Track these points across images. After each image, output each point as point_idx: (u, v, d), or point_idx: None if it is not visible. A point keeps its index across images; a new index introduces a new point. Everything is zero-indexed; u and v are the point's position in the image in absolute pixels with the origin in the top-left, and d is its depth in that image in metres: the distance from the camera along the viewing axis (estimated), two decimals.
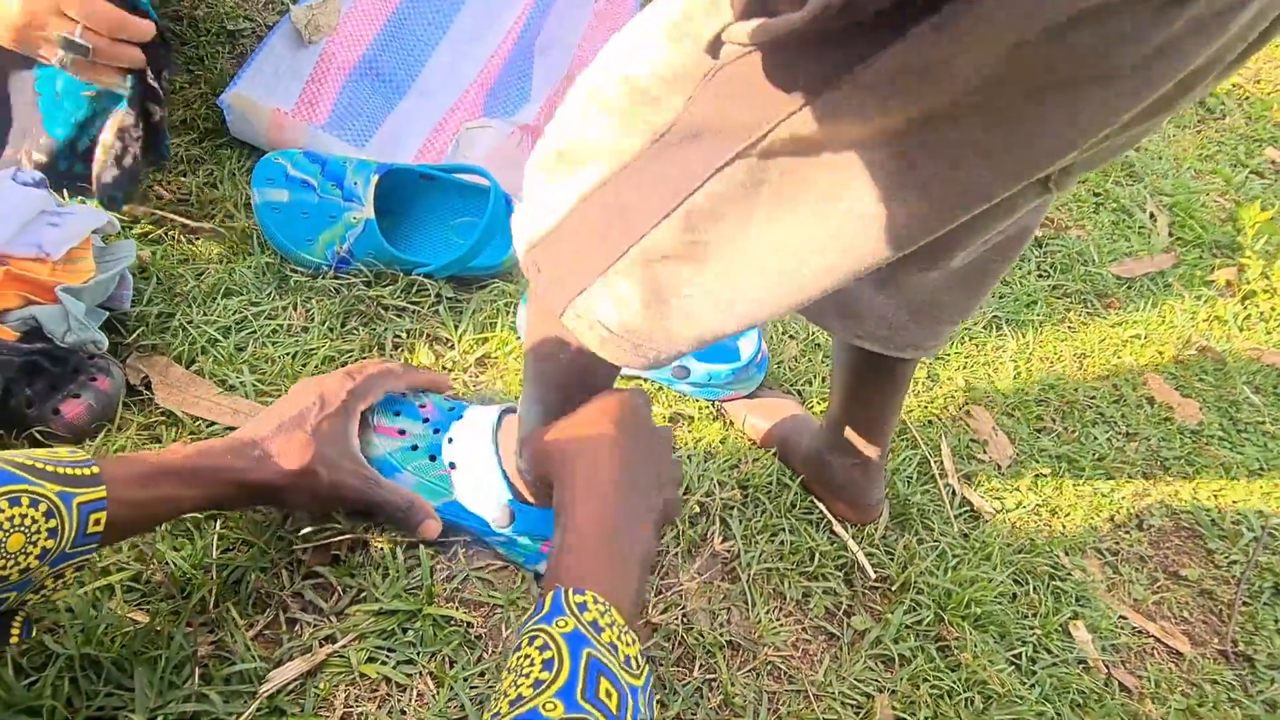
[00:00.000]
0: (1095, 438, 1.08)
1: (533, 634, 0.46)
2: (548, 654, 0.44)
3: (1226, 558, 0.99)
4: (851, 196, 0.44)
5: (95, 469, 0.54)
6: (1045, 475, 1.01)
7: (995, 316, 1.21)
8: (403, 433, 0.75)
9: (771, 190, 0.45)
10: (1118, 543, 0.97)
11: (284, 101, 1.00)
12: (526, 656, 0.45)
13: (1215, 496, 1.06)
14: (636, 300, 0.51)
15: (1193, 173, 1.73)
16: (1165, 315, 1.32)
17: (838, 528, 0.87)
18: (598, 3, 1.34)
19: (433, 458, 0.74)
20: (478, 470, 0.72)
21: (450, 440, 0.74)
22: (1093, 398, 1.14)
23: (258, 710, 0.62)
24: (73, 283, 0.73)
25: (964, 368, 1.11)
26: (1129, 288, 1.35)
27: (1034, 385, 1.13)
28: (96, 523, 0.53)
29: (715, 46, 0.42)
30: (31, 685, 0.59)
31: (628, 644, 0.47)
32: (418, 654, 0.68)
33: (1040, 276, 1.32)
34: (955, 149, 0.41)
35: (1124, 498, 1.02)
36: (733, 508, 0.86)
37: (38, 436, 0.72)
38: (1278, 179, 1.87)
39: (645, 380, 0.94)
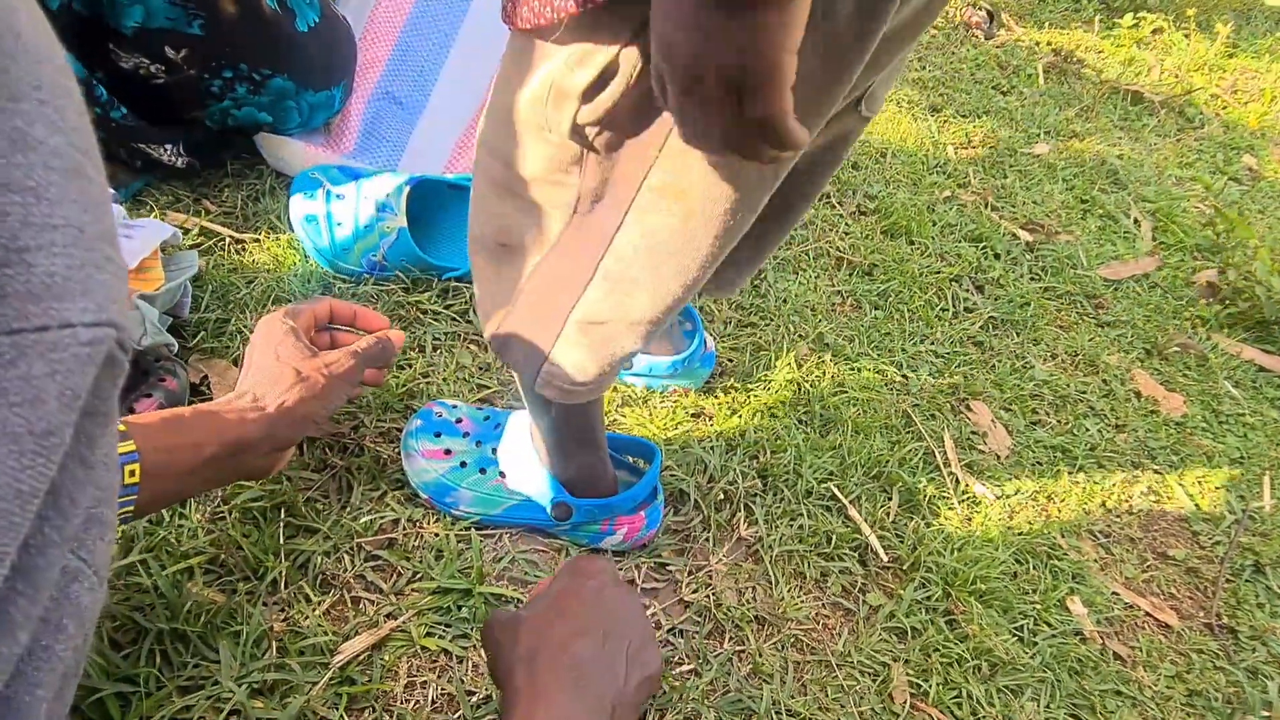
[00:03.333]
0: (1087, 429, 1.15)
1: None
2: None
3: (1210, 539, 1.06)
4: (735, 180, 0.50)
5: (122, 426, 0.57)
6: (1041, 464, 1.08)
7: (992, 317, 1.28)
8: (448, 452, 0.81)
9: (669, 211, 0.52)
10: (1109, 526, 1.04)
11: (310, 137, 1.06)
12: None
13: (1199, 483, 1.13)
14: (588, 360, 0.60)
15: (1174, 180, 1.81)
16: (1151, 315, 1.39)
17: (852, 512, 0.93)
18: None
19: (483, 470, 0.80)
20: (527, 476, 0.79)
21: (494, 451, 0.80)
22: (1084, 392, 1.21)
23: (331, 679, 0.68)
24: (147, 290, 0.79)
25: (964, 364, 1.18)
26: (1116, 289, 1.43)
27: (1029, 381, 1.20)
28: (132, 474, 0.56)
29: (577, 133, 0.49)
30: (126, 657, 0.65)
31: None
32: (472, 629, 0.74)
33: (1033, 279, 1.39)
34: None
35: (1115, 484, 1.09)
36: (755, 496, 0.92)
37: None
38: (1255, 185, 1.95)
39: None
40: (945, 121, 1.73)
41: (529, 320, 0.60)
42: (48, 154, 0.23)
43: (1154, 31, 2.47)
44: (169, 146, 0.99)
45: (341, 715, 0.66)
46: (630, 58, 0.45)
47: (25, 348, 0.21)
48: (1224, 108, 2.26)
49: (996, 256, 1.40)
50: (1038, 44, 2.20)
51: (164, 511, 0.74)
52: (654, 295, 0.56)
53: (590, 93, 0.47)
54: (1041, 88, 1.99)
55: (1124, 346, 1.32)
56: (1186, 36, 2.44)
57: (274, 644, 0.69)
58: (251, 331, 0.91)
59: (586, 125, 0.48)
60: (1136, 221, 1.62)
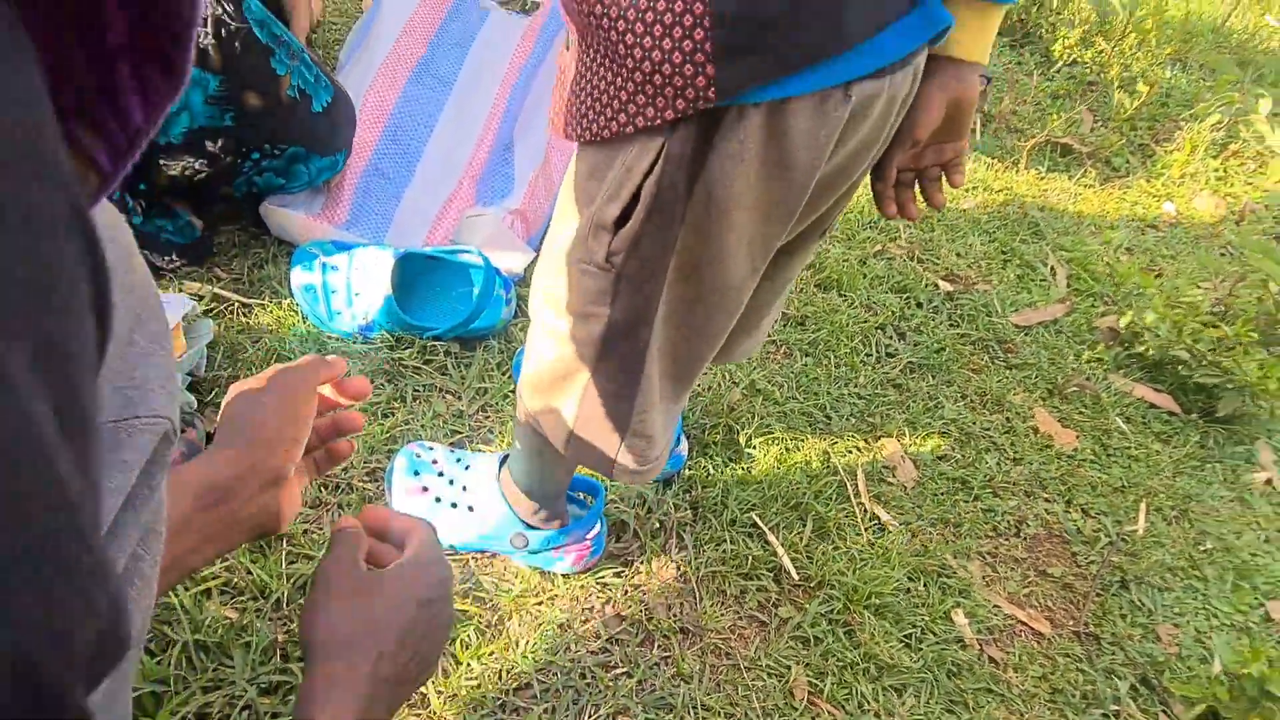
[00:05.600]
0: (986, 462, 1.32)
1: None
2: None
3: (1087, 559, 1.23)
4: (735, 265, 0.67)
5: None
6: (942, 494, 1.25)
7: (911, 362, 1.45)
8: (425, 489, 0.97)
9: (693, 300, 0.68)
10: (997, 547, 1.20)
11: (310, 209, 1.23)
12: None
13: (1082, 510, 1.30)
14: (661, 437, 0.76)
15: (1092, 229, 1.99)
16: (1055, 358, 1.56)
17: (771, 538, 1.09)
18: None
19: (454, 505, 0.96)
20: (490, 511, 0.94)
21: (465, 489, 0.96)
22: (987, 429, 1.38)
23: None
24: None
25: (882, 405, 1.35)
26: (1026, 334, 1.60)
27: (939, 419, 1.36)
28: None
29: (610, 259, 0.64)
30: (159, 663, 0.80)
31: None
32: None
33: (951, 326, 1.56)
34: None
35: (1006, 511, 1.25)
36: (686, 525, 1.08)
37: None
38: (1172, 231, 2.14)
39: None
40: None
41: (594, 431, 0.74)
42: (154, 337, 0.43)
43: (1089, 84, 2.67)
44: (165, 256, 1.15)
45: None
46: (650, 187, 0.59)
47: (137, 429, 0.41)
48: (1150, 155, 2.45)
49: (919, 305, 1.57)
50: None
51: None
52: (688, 370, 0.74)
53: (619, 222, 0.62)
54: (976, 142, 2.17)
55: (1029, 387, 1.49)
56: (1120, 89, 2.64)
57: (279, 652, 0.84)
58: None
59: (616, 254, 0.64)
60: (1053, 270, 1.79)
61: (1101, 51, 2.78)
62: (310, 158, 1.17)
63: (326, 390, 0.62)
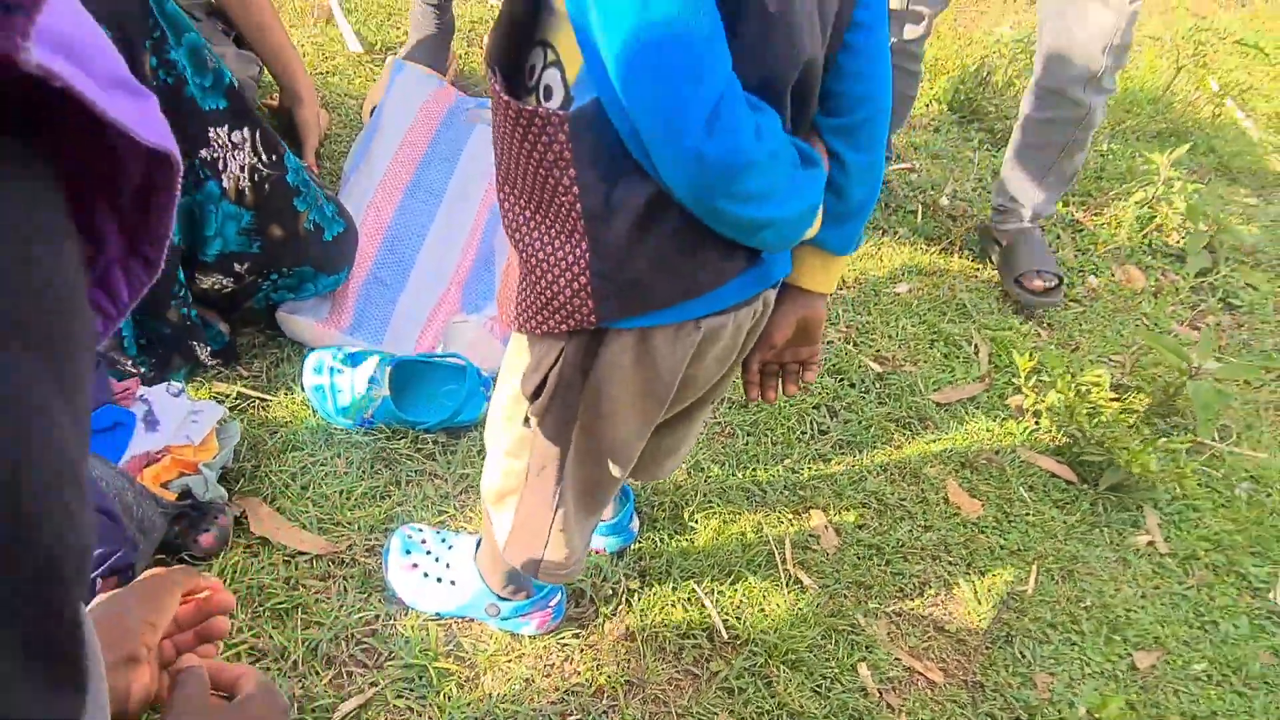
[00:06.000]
0: (900, 530, 1.53)
1: None
2: None
3: (980, 615, 1.44)
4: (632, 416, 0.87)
5: None
6: (860, 559, 1.46)
7: (840, 439, 1.67)
8: (415, 566, 1.17)
9: (590, 460, 0.88)
10: (903, 606, 1.41)
11: (318, 315, 1.44)
12: None
13: (981, 572, 1.51)
14: (577, 546, 0.97)
15: (1015, 307, 2.22)
16: (969, 433, 1.78)
17: (706, 602, 1.30)
18: None
19: (439, 580, 1.17)
20: (469, 586, 1.15)
21: (448, 566, 1.17)
22: (903, 500, 1.59)
23: None
24: (207, 459, 1.16)
25: (813, 479, 1.56)
26: (945, 411, 1.82)
27: (861, 491, 1.58)
28: None
29: (528, 421, 0.86)
30: None
31: None
32: (428, 692, 1.10)
33: (880, 404, 1.78)
34: None
35: (914, 575, 1.46)
36: (634, 592, 1.29)
37: (185, 557, 1.14)
38: (1091, 306, 2.37)
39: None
40: None
41: (525, 539, 0.96)
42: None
43: None
44: (205, 347, 1.36)
45: None
46: (554, 376, 0.81)
47: None
48: (1080, 230, 2.69)
49: (852, 386, 1.79)
50: (922, 177, 2.63)
51: None
52: (597, 496, 0.94)
53: (534, 396, 0.84)
54: (916, 224, 2.41)
55: (944, 460, 1.71)
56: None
57: (295, 705, 1.04)
58: (275, 475, 1.27)
59: (532, 416, 0.86)
60: (976, 349, 2.02)
61: None
62: (319, 277, 1.39)
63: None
